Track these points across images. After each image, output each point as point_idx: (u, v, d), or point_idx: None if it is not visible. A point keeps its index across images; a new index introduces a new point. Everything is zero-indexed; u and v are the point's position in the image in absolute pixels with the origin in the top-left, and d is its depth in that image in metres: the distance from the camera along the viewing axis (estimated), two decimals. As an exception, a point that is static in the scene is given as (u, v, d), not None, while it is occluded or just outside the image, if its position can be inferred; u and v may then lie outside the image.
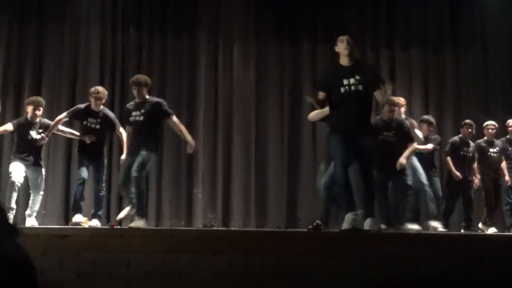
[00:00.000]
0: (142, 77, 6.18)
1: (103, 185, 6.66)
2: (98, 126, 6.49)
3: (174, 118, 6.06)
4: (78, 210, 6.37)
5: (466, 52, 9.14)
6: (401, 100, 7.08)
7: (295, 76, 8.66)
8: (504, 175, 7.62)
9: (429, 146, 7.18)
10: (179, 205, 8.13)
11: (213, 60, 8.55)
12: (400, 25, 9.03)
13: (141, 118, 5.94)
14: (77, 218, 6.28)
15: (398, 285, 4.24)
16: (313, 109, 5.82)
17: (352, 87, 4.96)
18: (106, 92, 6.63)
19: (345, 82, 4.97)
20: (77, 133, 6.64)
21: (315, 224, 5.29)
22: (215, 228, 7.65)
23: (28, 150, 6.64)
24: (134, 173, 5.70)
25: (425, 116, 7.69)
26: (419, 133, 7.02)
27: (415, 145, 6.77)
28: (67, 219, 7.60)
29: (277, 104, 8.60)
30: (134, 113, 6.01)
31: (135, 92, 6.05)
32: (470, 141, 7.60)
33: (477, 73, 9.10)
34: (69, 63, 8.20)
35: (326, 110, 5.34)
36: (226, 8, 8.62)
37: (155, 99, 6.13)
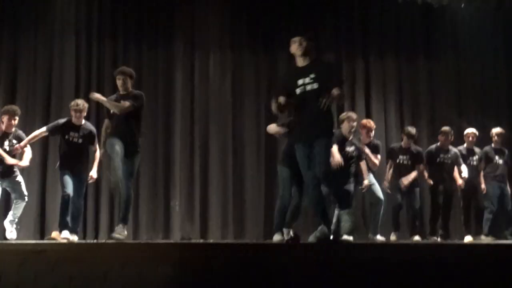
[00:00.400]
0: (128, 68, 6.05)
1: (82, 201, 6.60)
2: (80, 140, 6.38)
3: None
4: (65, 226, 6.24)
5: (439, 62, 9.30)
6: (372, 124, 7.17)
7: (271, 85, 8.67)
8: (480, 183, 7.70)
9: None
10: (156, 218, 8.08)
11: (189, 70, 8.56)
12: (374, 36, 9.14)
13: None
14: (65, 234, 6.18)
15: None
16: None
17: (308, 87, 4.77)
18: (86, 105, 6.50)
19: (300, 82, 4.80)
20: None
21: (292, 235, 5.28)
22: (193, 241, 7.62)
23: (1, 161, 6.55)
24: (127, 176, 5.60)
25: (407, 128, 7.71)
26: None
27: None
28: (42, 233, 7.52)
29: (253, 114, 8.63)
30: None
31: (119, 82, 5.81)
32: (450, 148, 7.62)
33: (450, 83, 9.26)
34: (43, 75, 8.12)
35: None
36: (202, 18, 8.65)
37: (137, 91, 5.93)
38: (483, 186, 7.71)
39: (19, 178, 6.77)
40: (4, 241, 6.18)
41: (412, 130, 7.52)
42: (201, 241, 7.66)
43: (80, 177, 6.41)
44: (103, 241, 7.02)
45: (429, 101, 9.12)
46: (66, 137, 6.34)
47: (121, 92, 5.83)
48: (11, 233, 6.60)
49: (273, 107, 4.96)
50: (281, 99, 4.84)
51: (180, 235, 8.01)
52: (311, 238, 4.79)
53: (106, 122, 5.98)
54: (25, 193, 6.75)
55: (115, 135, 5.69)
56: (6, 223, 6.64)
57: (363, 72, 9.00)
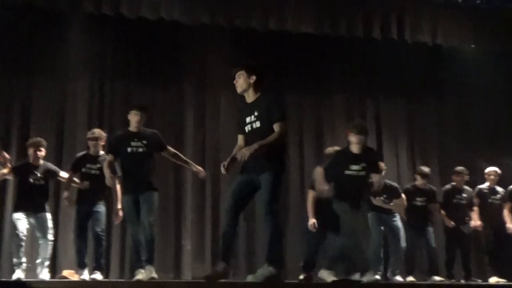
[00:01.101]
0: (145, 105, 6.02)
1: (103, 234, 6.50)
2: (98, 172, 6.27)
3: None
4: (84, 265, 6.25)
5: (448, 101, 9.34)
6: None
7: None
8: (506, 222, 7.46)
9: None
10: (167, 257, 7.98)
11: (200, 110, 8.62)
12: (384, 76, 9.23)
13: (144, 149, 5.66)
14: (86, 274, 6.18)
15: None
16: None
17: (254, 125, 4.65)
18: (103, 134, 6.51)
19: (248, 120, 4.69)
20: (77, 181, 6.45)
21: (306, 275, 5.23)
22: (203, 281, 7.56)
23: (29, 196, 6.45)
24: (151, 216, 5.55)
25: (420, 168, 7.72)
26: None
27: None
28: (53, 271, 7.46)
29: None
30: (133, 143, 5.62)
31: (136, 118, 5.66)
32: (465, 188, 7.57)
33: (460, 122, 9.28)
34: (57, 116, 8.17)
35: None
36: (212, 59, 8.70)
37: (152, 130, 5.88)
38: (509, 225, 7.45)
39: (48, 215, 6.58)
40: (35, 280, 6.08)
41: (426, 169, 7.51)
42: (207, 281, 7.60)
43: (99, 210, 6.36)
44: (120, 280, 6.99)
45: (439, 140, 9.13)
46: (83, 170, 6.29)
47: (133, 130, 5.70)
48: (42, 275, 6.39)
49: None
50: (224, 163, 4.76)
51: (191, 274, 7.94)
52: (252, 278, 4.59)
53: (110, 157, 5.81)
54: (50, 231, 6.54)
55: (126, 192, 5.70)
56: (38, 268, 6.45)
57: (372, 112, 9.04)
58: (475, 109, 9.41)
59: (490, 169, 7.80)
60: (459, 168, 7.69)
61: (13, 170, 6.51)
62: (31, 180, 6.43)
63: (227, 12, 8.12)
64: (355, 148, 5.48)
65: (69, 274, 6.34)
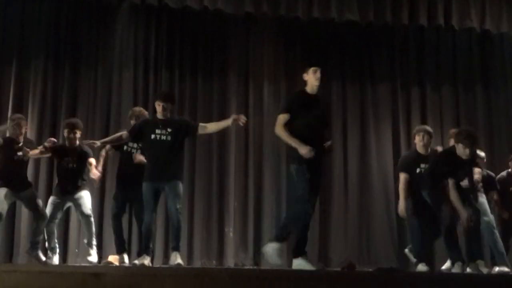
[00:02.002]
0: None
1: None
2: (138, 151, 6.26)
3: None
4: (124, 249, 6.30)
5: (497, 91, 9.10)
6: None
7: (327, 113, 8.69)
8: None
9: None
10: (210, 244, 8.06)
11: (243, 101, 8.62)
12: (430, 65, 9.06)
13: (168, 137, 5.67)
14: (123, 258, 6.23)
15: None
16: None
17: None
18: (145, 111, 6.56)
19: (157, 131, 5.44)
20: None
21: (349, 263, 5.16)
22: (246, 268, 7.58)
23: (64, 178, 6.51)
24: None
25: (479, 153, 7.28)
26: None
27: None
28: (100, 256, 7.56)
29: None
30: (157, 131, 5.66)
31: (160, 108, 5.72)
32: None
33: (509, 112, 9.03)
34: (102, 106, 8.27)
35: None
36: (256, 49, 8.73)
37: (181, 117, 6.00)
38: None
39: (86, 193, 6.58)
40: (61, 264, 6.22)
41: (481, 153, 7.13)
42: (255, 267, 7.63)
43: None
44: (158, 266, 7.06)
45: (487, 131, 8.90)
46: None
47: (160, 117, 5.77)
48: (91, 257, 6.50)
49: None
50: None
51: (233, 261, 7.98)
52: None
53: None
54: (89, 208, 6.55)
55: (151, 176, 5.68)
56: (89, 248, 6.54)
57: (419, 102, 8.88)
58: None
59: None
60: None
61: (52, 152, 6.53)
62: (64, 162, 6.45)
63: (271, 0, 8.06)
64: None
65: (115, 260, 6.40)
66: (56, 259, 6.51)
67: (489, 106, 9.06)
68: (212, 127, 6.04)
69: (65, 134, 6.49)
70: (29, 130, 7.45)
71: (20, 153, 6.25)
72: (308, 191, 5.00)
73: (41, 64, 8.20)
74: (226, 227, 8.13)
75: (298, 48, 8.83)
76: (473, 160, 6.02)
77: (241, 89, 8.64)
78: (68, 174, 6.44)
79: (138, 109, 6.64)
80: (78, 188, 6.46)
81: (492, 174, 7.29)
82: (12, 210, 7.37)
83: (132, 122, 6.31)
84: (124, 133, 5.93)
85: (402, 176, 6.34)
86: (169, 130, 5.66)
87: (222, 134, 8.13)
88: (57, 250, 6.57)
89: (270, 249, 5.10)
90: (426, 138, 6.37)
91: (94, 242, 6.56)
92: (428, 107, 8.94)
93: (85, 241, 6.61)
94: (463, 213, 5.51)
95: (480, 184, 6.68)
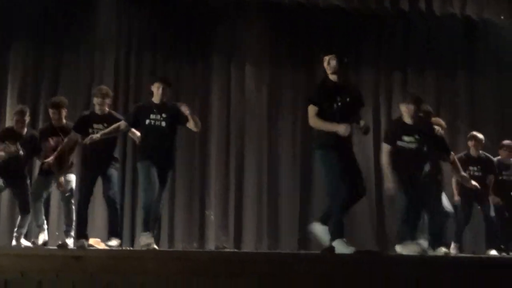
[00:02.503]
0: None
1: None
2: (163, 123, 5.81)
3: None
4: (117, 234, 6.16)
5: (480, 77, 9.14)
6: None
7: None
8: None
9: None
10: (191, 227, 8.09)
11: (225, 84, 8.61)
12: (414, 50, 9.09)
13: (162, 122, 5.61)
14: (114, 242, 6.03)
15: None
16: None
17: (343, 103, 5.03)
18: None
19: (338, 98, 5.04)
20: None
21: (329, 246, 5.20)
22: (227, 250, 7.63)
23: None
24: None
25: (472, 133, 7.32)
26: None
27: None
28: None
29: (289, 127, 8.65)
30: (152, 115, 5.59)
31: (160, 90, 5.62)
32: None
33: (491, 98, 9.10)
34: (84, 88, 8.18)
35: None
36: (240, 33, 8.70)
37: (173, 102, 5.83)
38: None
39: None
40: (43, 247, 6.22)
41: (479, 135, 7.12)
42: (235, 250, 7.67)
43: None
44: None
45: (470, 117, 8.96)
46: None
47: (155, 101, 5.69)
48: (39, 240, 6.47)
49: None
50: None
51: (214, 244, 8.01)
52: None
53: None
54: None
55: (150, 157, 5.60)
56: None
57: (401, 86, 8.93)
58: (509, 84, 9.20)
59: None
60: (507, 141, 7.39)
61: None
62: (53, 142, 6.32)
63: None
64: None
65: (95, 243, 6.39)
66: (43, 237, 6.42)
67: (471, 92, 9.10)
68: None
69: (51, 113, 6.37)
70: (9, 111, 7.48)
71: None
72: (335, 175, 5.03)
73: (22, 46, 8.14)
74: (207, 211, 8.15)
75: (283, 33, 8.80)
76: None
77: (224, 73, 8.61)
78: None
79: (106, 88, 6.33)
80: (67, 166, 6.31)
81: (491, 157, 7.23)
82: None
83: (95, 99, 6.09)
84: (122, 123, 5.80)
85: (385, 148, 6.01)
86: (163, 115, 5.60)
87: (204, 118, 8.04)
88: (45, 227, 6.51)
89: (319, 229, 5.16)
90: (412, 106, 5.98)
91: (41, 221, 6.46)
92: (413, 90, 8.97)
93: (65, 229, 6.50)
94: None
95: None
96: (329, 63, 5.09)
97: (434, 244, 6.25)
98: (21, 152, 6.31)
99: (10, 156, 6.31)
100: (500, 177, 7.23)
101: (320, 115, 5.09)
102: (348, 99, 5.06)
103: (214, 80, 8.54)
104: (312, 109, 5.17)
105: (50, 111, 6.39)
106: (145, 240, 5.54)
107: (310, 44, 8.74)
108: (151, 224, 5.61)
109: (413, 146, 5.90)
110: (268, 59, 8.71)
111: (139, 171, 5.73)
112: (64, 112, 6.36)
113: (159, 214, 5.97)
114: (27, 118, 6.57)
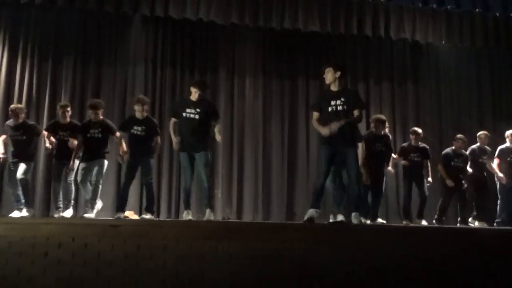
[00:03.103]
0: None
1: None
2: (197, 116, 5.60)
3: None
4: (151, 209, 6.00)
5: (424, 87, 9.16)
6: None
7: (293, 103, 8.72)
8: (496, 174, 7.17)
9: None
10: (203, 202, 8.01)
11: (230, 92, 8.54)
12: (373, 66, 9.05)
13: (196, 116, 5.48)
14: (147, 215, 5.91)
15: (368, 265, 4.19)
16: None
17: (339, 107, 4.90)
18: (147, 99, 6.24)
19: (333, 103, 4.90)
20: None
21: (309, 217, 5.19)
22: (231, 220, 7.63)
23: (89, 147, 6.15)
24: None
25: (414, 128, 7.23)
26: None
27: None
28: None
29: (279, 124, 8.61)
30: (188, 110, 5.47)
31: (193, 91, 5.53)
32: (463, 152, 7.13)
33: (432, 103, 9.11)
34: (120, 95, 8.14)
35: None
36: (240, 52, 8.64)
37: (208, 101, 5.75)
38: (499, 176, 7.12)
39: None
40: (90, 218, 6.12)
41: (419, 130, 7.05)
42: (237, 220, 7.67)
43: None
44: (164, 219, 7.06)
45: (416, 118, 8.95)
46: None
47: (192, 98, 5.57)
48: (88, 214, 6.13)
49: None
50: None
51: (221, 216, 7.99)
52: None
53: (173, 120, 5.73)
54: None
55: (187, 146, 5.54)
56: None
57: (365, 94, 8.89)
58: (446, 92, 9.22)
59: (481, 132, 7.37)
60: (460, 135, 7.24)
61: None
62: (90, 134, 6.08)
63: (252, 14, 7.98)
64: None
65: (129, 214, 6.36)
66: (68, 213, 6.23)
67: (417, 98, 9.11)
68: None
69: (89, 112, 6.18)
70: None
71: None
72: (327, 166, 4.96)
73: (71, 62, 8.08)
74: (216, 190, 8.11)
75: (273, 52, 8.77)
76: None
77: (228, 83, 8.55)
78: (93, 142, 6.08)
79: (142, 96, 6.33)
80: (101, 155, 6.13)
81: (427, 146, 7.11)
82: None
83: (136, 106, 6.00)
84: (172, 120, 5.75)
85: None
86: (197, 110, 5.50)
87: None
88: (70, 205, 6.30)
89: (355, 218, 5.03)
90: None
91: (97, 202, 6.18)
92: (372, 98, 8.96)
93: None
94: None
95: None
96: (325, 76, 5.03)
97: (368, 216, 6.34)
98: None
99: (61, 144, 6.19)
100: (453, 163, 7.08)
101: (320, 117, 5.03)
102: (342, 103, 4.90)
103: (221, 89, 8.46)
104: (313, 114, 5.15)
105: (89, 111, 6.22)
106: (185, 216, 5.60)
107: (293, 61, 8.74)
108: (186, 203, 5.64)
109: (380, 148, 6.30)
110: (261, 73, 8.66)
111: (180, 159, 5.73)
112: (100, 112, 6.18)
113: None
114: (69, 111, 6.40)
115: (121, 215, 5.76)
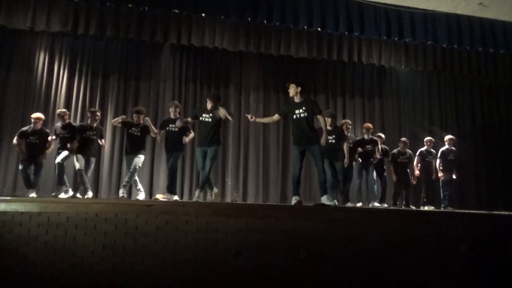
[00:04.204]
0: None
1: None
2: (210, 120, 5.58)
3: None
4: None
5: (387, 101, 9.12)
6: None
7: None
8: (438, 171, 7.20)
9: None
10: (217, 188, 8.01)
11: (238, 104, 8.50)
12: (349, 84, 9.01)
13: (209, 119, 5.44)
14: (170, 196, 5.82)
15: (342, 237, 4.18)
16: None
17: (301, 115, 4.90)
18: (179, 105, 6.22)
19: (296, 112, 4.93)
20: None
21: (298, 200, 5.19)
22: (237, 202, 7.61)
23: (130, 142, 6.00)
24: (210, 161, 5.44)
25: (378, 134, 7.32)
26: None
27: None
28: (151, 195, 7.55)
29: (275, 129, 8.57)
30: (204, 115, 5.48)
31: (208, 102, 5.51)
32: (407, 150, 7.16)
33: (394, 114, 9.07)
34: (154, 105, 8.10)
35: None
36: (246, 72, 8.59)
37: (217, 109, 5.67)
38: (439, 174, 7.16)
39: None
40: (131, 199, 6.09)
41: (370, 125, 7.01)
42: (242, 202, 7.65)
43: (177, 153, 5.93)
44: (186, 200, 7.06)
45: (381, 126, 8.93)
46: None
47: (208, 107, 5.54)
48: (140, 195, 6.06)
49: None
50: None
51: (230, 199, 7.98)
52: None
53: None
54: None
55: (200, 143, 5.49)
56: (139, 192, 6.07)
57: (342, 107, 8.89)
58: (404, 106, 9.18)
59: (427, 138, 7.42)
60: (403, 138, 7.37)
61: (123, 124, 6.11)
62: (131, 131, 6.01)
63: (255, 43, 7.95)
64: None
65: (160, 196, 6.33)
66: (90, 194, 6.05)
67: (382, 110, 9.07)
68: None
69: (134, 116, 6.08)
70: (109, 117, 7.36)
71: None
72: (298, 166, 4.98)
73: (116, 79, 8.06)
74: (227, 178, 8.09)
75: (271, 73, 8.74)
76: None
77: (237, 96, 8.52)
78: (133, 139, 5.99)
79: (177, 102, 6.29)
80: (139, 150, 6.02)
81: (387, 147, 7.17)
82: (97, 163, 7.23)
83: (171, 109, 6.05)
84: (189, 118, 5.74)
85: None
86: (210, 115, 5.51)
87: (227, 124, 8.05)
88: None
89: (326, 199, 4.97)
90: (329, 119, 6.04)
91: (139, 186, 6.07)
92: (347, 110, 8.93)
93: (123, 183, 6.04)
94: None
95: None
96: (289, 90, 5.09)
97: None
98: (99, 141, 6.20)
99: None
100: (398, 160, 7.14)
101: (289, 122, 5.13)
102: (304, 111, 4.94)
103: (231, 100, 8.42)
104: (275, 115, 5.31)
105: (134, 115, 6.13)
106: (197, 194, 5.58)
107: (287, 80, 8.60)
108: (202, 185, 5.60)
109: (333, 141, 6.06)
110: (262, 89, 8.62)
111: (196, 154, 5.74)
112: (142, 117, 6.13)
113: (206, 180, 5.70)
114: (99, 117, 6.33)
115: (173, 197, 5.86)
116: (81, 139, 6.05)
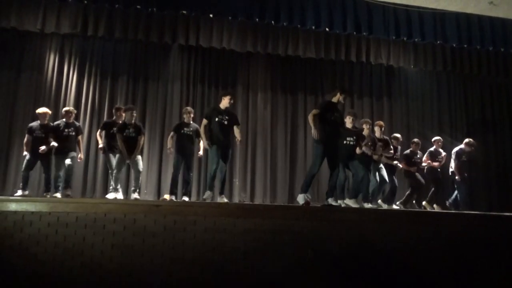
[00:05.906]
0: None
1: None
2: (191, 133, 5.85)
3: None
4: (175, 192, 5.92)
5: (396, 101, 9.04)
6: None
7: (294, 113, 8.63)
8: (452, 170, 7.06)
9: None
10: (225, 188, 7.98)
11: (245, 105, 8.48)
12: (357, 84, 8.95)
13: (226, 121, 5.46)
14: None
15: (350, 237, 4.15)
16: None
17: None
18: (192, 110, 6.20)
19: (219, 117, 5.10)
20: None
21: (306, 201, 5.18)
22: (245, 202, 7.61)
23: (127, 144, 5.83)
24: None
25: (394, 134, 7.26)
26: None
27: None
28: (159, 195, 7.58)
29: (283, 129, 8.53)
30: (220, 116, 5.44)
31: (230, 101, 5.52)
32: (419, 151, 7.16)
33: (402, 114, 8.99)
34: (162, 106, 8.12)
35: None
36: (253, 72, 8.58)
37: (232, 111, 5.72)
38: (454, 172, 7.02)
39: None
40: (136, 199, 6.12)
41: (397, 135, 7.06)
42: (250, 203, 7.65)
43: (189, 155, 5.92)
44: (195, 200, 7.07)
45: (389, 125, 8.85)
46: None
47: (222, 107, 5.54)
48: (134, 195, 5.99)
49: None
50: None
51: (238, 199, 7.98)
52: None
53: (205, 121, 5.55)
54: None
55: (217, 143, 5.44)
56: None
57: (350, 106, 8.82)
58: (413, 106, 9.10)
59: (436, 138, 7.33)
60: (416, 139, 7.29)
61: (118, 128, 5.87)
62: (126, 133, 5.81)
63: (263, 44, 7.94)
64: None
65: (167, 197, 6.34)
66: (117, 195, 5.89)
67: (391, 111, 9.00)
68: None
69: (128, 115, 5.93)
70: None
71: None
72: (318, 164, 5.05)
73: (125, 80, 8.08)
74: (234, 178, 8.09)
75: (279, 73, 8.71)
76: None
77: (244, 97, 8.51)
78: (129, 140, 5.81)
79: (190, 108, 6.29)
80: (135, 151, 5.80)
81: (387, 138, 6.98)
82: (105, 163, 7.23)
83: (184, 116, 6.06)
84: (204, 120, 5.65)
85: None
86: (226, 117, 5.51)
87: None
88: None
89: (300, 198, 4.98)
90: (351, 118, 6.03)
91: (118, 186, 5.87)
92: (355, 110, 8.82)
93: (132, 188, 5.92)
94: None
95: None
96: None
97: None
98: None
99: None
100: (413, 160, 7.10)
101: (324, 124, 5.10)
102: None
103: (239, 100, 8.40)
104: (314, 111, 5.31)
105: (128, 113, 5.99)
106: (207, 195, 5.58)
107: (294, 80, 8.66)
108: (211, 186, 5.60)
109: (352, 143, 5.84)
110: (270, 89, 8.59)
111: (209, 152, 5.57)
112: (134, 114, 5.97)
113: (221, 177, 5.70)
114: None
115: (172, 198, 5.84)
116: (124, 138, 5.77)
